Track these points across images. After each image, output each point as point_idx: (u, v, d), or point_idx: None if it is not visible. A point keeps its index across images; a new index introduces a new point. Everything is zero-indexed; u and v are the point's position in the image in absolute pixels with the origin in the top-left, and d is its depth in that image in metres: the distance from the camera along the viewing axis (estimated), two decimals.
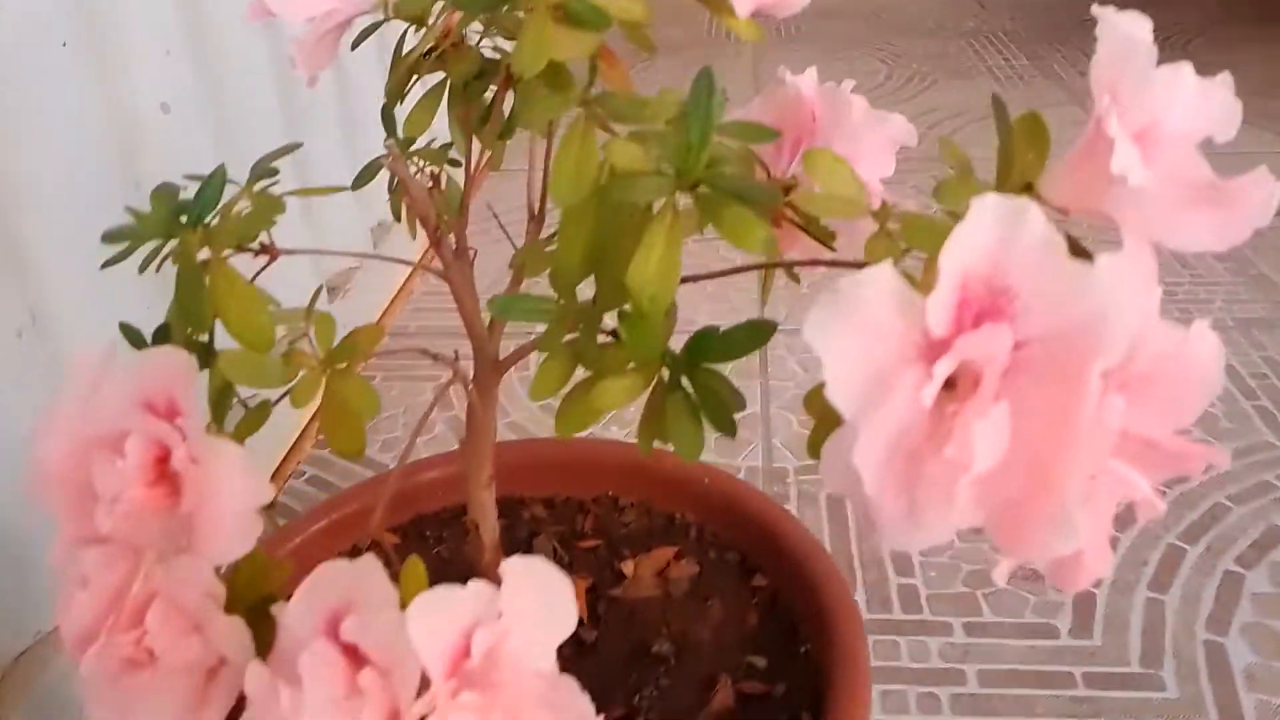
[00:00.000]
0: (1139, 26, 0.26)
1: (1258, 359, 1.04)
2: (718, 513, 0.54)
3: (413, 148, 0.42)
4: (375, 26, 0.43)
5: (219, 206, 0.31)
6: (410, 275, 1.23)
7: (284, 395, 0.30)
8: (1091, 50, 0.25)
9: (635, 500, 0.56)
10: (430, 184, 0.40)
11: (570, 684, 0.25)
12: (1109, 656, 0.72)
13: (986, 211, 0.23)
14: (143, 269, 0.32)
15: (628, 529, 0.54)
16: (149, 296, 0.63)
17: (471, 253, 0.40)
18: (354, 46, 0.44)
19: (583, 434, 0.32)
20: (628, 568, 0.51)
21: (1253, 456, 0.91)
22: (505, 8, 0.28)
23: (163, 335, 0.31)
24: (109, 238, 0.29)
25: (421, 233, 0.37)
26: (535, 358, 0.31)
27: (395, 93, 0.41)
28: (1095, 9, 0.26)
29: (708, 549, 0.53)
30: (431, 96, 0.41)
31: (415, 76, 0.40)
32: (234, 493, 0.26)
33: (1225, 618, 0.75)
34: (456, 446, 0.43)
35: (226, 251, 0.29)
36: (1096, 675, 0.71)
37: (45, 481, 0.27)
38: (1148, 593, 0.77)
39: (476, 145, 0.38)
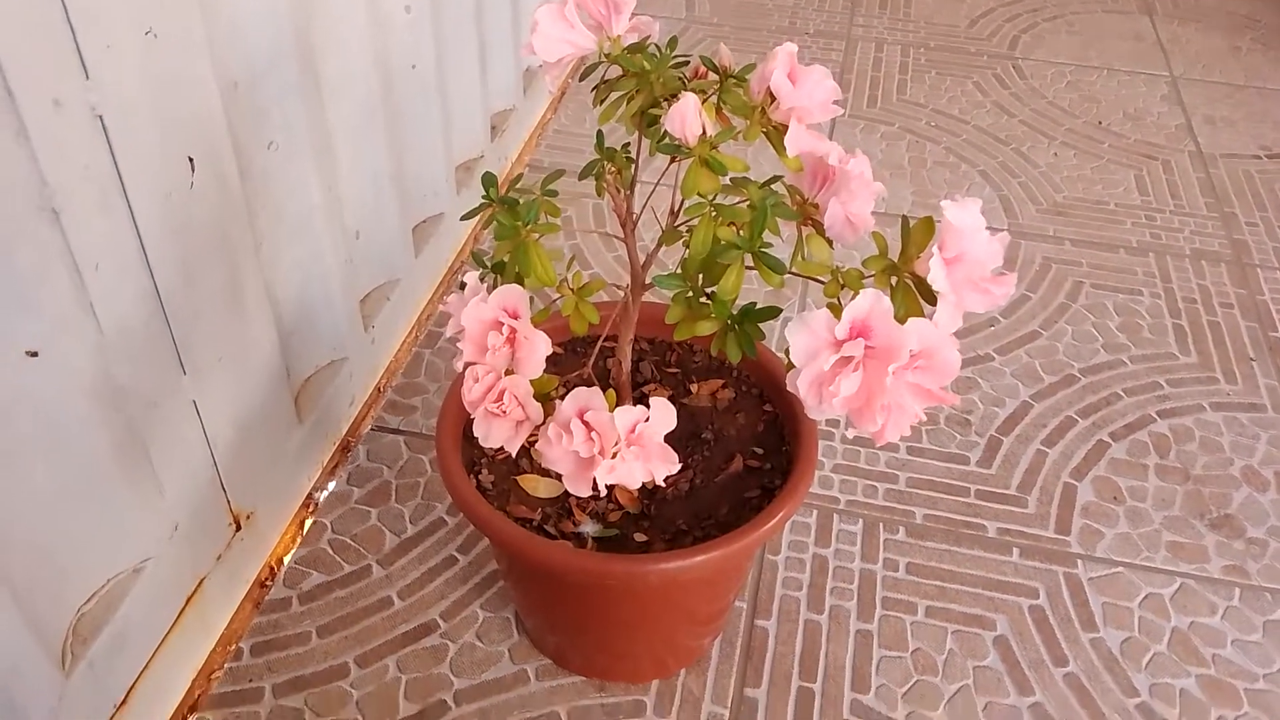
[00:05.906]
0: (967, 212, 0.59)
1: (1194, 285, 1.34)
2: (750, 365, 0.91)
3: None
4: (594, 66, 0.76)
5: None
6: (545, 117, 1.55)
7: (553, 301, 0.67)
8: None
9: (702, 349, 0.93)
10: (616, 171, 0.74)
11: (669, 448, 0.63)
12: (997, 482, 1.10)
13: (868, 294, 0.58)
14: (484, 225, 0.68)
15: (696, 365, 0.92)
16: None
17: (637, 216, 0.75)
18: (581, 78, 0.77)
19: None
20: (693, 388, 0.89)
21: (1155, 362, 1.24)
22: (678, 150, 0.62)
23: (498, 267, 0.67)
24: (485, 221, 0.65)
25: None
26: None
27: (600, 99, 0.74)
28: (943, 203, 0.59)
29: (741, 384, 0.90)
30: (616, 104, 0.74)
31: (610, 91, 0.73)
32: (535, 351, 0.64)
33: (1085, 470, 1.12)
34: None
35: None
36: (985, 492, 1.09)
37: (462, 334, 0.64)
38: (1039, 446, 1.14)
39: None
